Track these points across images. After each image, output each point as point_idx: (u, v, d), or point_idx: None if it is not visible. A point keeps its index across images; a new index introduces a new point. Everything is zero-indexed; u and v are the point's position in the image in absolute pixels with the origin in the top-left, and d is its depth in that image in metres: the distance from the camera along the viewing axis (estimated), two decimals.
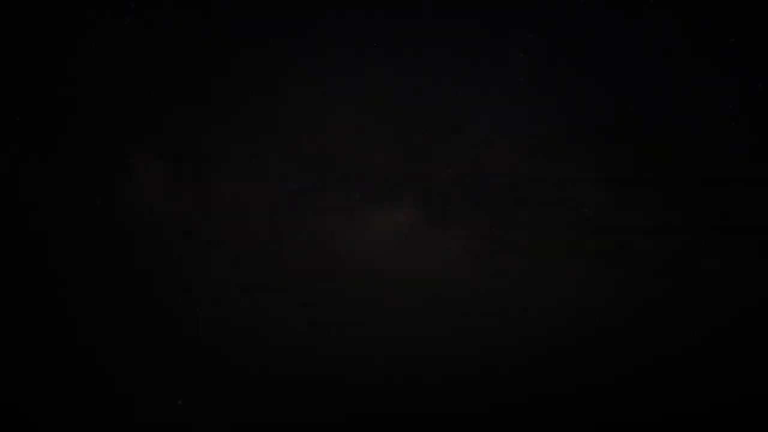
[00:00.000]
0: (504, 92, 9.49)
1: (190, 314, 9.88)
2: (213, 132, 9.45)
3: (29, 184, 9.20)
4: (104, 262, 9.70)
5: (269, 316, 9.99)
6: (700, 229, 9.89)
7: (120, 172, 9.45)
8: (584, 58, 9.32)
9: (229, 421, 10.02)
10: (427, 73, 9.48)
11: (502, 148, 9.77)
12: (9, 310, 9.48)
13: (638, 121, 9.51)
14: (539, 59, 9.32)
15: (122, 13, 8.81)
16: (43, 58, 8.85)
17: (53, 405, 9.72)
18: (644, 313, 10.08)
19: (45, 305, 9.64)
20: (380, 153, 9.80)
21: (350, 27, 9.25)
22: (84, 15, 8.78)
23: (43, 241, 9.50)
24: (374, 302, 9.98)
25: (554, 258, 10.01)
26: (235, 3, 9.01)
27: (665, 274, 9.99)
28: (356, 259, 9.95)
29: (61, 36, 8.84)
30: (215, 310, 9.90)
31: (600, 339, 10.03)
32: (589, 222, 9.92)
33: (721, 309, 10.03)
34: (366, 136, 9.71)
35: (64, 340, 9.69)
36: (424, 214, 10.03)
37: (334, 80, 9.36)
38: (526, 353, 10.17)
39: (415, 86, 9.55)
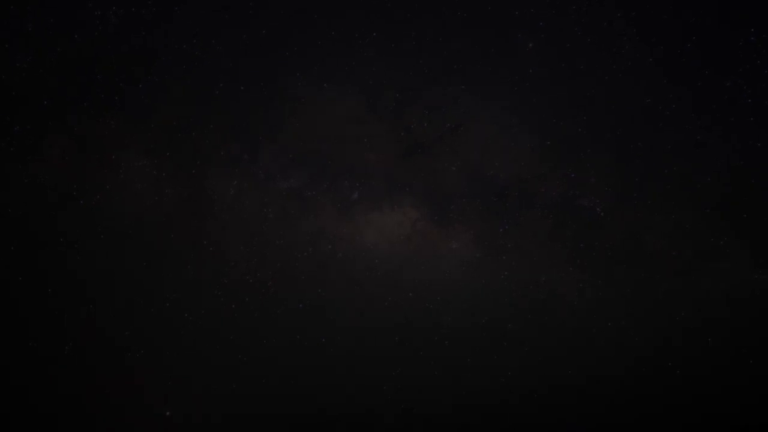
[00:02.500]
0: (511, 86, 9.21)
1: (179, 319, 9.59)
2: (201, 128, 9.23)
3: (7, 185, 8.98)
4: (89, 264, 9.45)
5: (263, 320, 9.77)
6: (715, 229, 9.60)
7: (104, 170, 9.23)
8: (597, 51, 9.03)
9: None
10: (429, 66, 9.22)
11: (508, 145, 9.53)
12: None
13: (653, 117, 9.21)
14: (549, 51, 9.01)
15: (108, 5, 8.60)
16: (23, 51, 8.65)
17: (38, 414, 9.56)
18: (657, 315, 9.84)
19: (28, 310, 9.43)
20: (379, 149, 9.62)
21: (348, 16, 8.99)
22: (68, 7, 8.59)
23: (23, 244, 9.24)
24: (373, 306, 9.82)
25: (564, 259, 9.80)
26: None
27: (679, 276, 9.74)
28: (354, 262, 9.79)
29: (44, 29, 8.63)
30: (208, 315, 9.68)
31: (610, 341, 9.84)
32: (600, 221, 9.68)
33: (736, 312, 9.76)
34: (364, 132, 9.48)
35: (48, 347, 9.46)
36: (427, 215, 9.84)
37: (330, 72, 9.13)
38: (535, 357, 9.98)
39: (417, 79, 9.31)
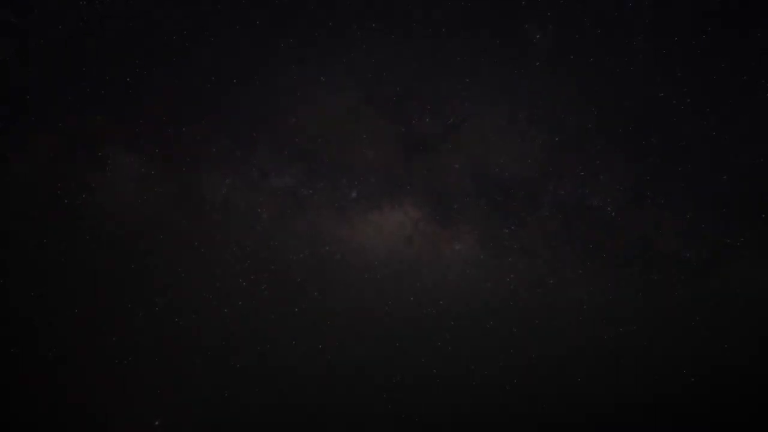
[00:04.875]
0: (517, 79, 9.04)
1: (169, 324, 9.48)
2: (192, 123, 9.07)
3: None
4: (74, 267, 9.27)
5: (257, 325, 9.66)
6: (732, 229, 9.41)
7: (90, 168, 9.10)
8: (607, 42, 8.84)
9: None
10: (431, 58, 9.04)
11: (514, 141, 9.35)
12: None
13: (667, 112, 9.02)
14: (559, 42, 8.79)
15: None
16: (5, 42, 8.49)
17: (20, 423, 9.39)
18: (670, 319, 9.70)
19: (10, 314, 9.23)
20: (379, 146, 9.45)
21: (345, 6, 8.77)
22: None
23: (5, 246, 9.09)
24: (373, 311, 9.69)
25: (573, 261, 9.66)
26: None
27: (694, 278, 9.59)
28: (353, 264, 9.66)
29: (27, 19, 8.48)
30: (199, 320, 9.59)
31: (622, 347, 9.75)
32: (611, 222, 9.52)
33: (754, 316, 9.60)
34: (363, 128, 9.31)
35: (31, 353, 9.30)
36: (429, 215, 9.71)
37: (327, 65, 8.95)
38: (542, 364, 9.89)
39: (419, 73, 9.15)
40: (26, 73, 8.54)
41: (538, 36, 8.77)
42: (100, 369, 9.35)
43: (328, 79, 8.96)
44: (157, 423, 9.47)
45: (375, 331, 9.66)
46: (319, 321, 9.62)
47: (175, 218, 9.32)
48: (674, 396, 9.70)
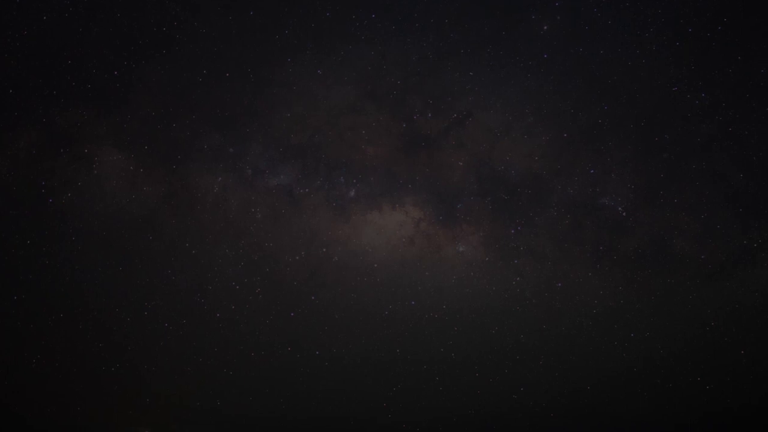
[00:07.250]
0: (524, 72, 8.92)
1: (158, 328, 9.33)
2: (182, 118, 8.95)
3: None
4: (59, 269, 9.15)
5: (251, 330, 9.55)
6: (749, 230, 9.20)
7: (75, 165, 8.98)
8: (618, 34, 8.71)
9: None
10: (434, 50, 8.92)
11: (521, 137, 9.24)
12: None
13: (681, 107, 8.88)
14: (567, 34, 8.67)
15: None
16: None
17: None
18: (685, 324, 9.54)
19: None
20: (379, 143, 9.38)
21: None
22: None
23: None
24: (372, 316, 9.58)
25: (583, 263, 9.55)
26: None
27: (709, 281, 9.40)
28: (351, 267, 9.58)
29: (8, 9, 8.27)
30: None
31: (634, 353, 9.57)
32: (622, 222, 9.40)
33: None
34: (362, 123, 9.24)
35: (15, 359, 9.15)
36: (431, 214, 9.63)
37: (325, 57, 8.84)
38: (550, 372, 9.72)
39: (421, 65, 9.05)
40: (7, 66, 8.37)
41: (545, 27, 8.69)
42: (85, 376, 9.24)
43: (325, 73, 8.91)
44: None
45: (375, 337, 9.60)
46: (316, 326, 9.56)
47: (165, 218, 9.29)
48: (688, 402, 9.57)
